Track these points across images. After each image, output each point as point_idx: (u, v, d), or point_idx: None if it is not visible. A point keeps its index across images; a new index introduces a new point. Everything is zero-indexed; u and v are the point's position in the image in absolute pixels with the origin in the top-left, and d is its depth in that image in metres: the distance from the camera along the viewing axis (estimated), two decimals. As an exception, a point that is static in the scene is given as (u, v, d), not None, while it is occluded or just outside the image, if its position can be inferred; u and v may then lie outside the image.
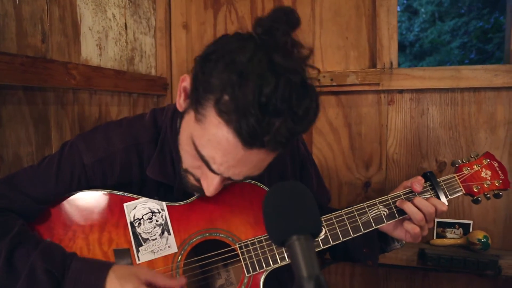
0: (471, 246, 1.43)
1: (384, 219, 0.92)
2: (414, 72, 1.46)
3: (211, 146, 0.70)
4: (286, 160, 1.06)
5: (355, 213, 0.92)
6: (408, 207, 0.89)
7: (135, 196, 0.89)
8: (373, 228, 0.91)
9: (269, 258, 0.88)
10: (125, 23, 1.51)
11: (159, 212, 0.89)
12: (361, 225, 0.91)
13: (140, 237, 0.87)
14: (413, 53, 7.26)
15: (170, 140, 0.91)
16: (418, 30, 7.39)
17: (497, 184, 0.99)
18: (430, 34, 7.21)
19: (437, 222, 1.51)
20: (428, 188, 0.95)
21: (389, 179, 1.57)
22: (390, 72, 1.48)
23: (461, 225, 1.49)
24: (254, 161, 0.72)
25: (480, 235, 1.41)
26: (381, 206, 0.92)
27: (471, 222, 1.48)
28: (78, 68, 1.21)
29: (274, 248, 0.88)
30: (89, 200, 0.88)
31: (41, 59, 1.09)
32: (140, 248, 0.86)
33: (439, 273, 1.52)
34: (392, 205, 0.93)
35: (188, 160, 0.81)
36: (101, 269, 0.77)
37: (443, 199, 0.93)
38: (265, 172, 0.98)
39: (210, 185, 0.78)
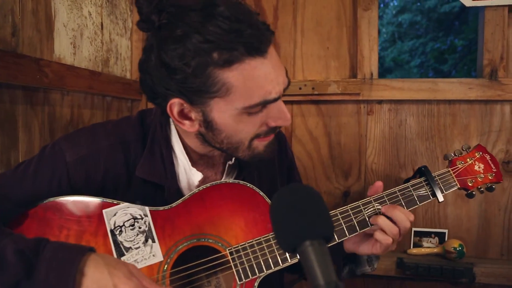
0: (447, 255, 1.46)
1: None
2: (393, 83, 1.49)
3: (254, 87, 0.75)
4: (275, 163, 1.04)
5: (350, 212, 0.89)
6: (383, 221, 0.85)
7: (115, 202, 0.82)
8: (368, 228, 0.88)
9: (262, 264, 0.83)
10: (101, 23, 1.44)
11: (142, 218, 0.82)
12: (356, 225, 0.88)
13: (121, 246, 0.80)
14: (375, 70, 7.57)
15: (161, 138, 0.87)
16: (379, 48, 7.71)
17: (490, 177, 0.98)
18: (390, 53, 7.54)
19: (414, 231, 1.53)
20: (424, 183, 0.93)
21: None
22: (370, 82, 1.50)
23: (437, 234, 1.52)
24: (277, 59, 0.79)
25: (455, 243, 1.45)
26: (376, 204, 0.90)
27: (446, 231, 1.52)
28: (51, 65, 1.12)
29: (267, 253, 0.83)
30: (64, 207, 0.80)
31: (11, 54, 1.01)
32: (122, 258, 0.79)
33: (415, 282, 1.54)
34: (388, 203, 0.90)
35: (253, 127, 0.81)
36: (83, 248, 0.70)
37: (439, 194, 0.92)
38: (255, 175, 0.96)
39: (284, 112, 0.80)
